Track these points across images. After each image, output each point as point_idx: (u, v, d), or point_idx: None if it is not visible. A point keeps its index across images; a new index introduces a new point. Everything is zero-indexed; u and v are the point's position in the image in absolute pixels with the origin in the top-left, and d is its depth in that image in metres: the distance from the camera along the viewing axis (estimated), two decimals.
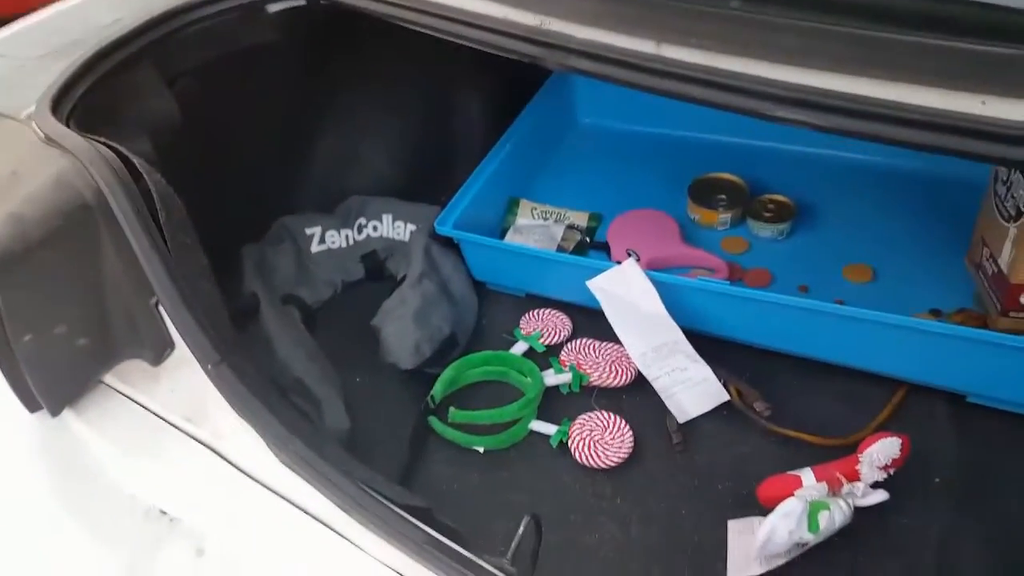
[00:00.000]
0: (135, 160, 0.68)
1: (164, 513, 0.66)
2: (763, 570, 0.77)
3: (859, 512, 0.78)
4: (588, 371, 0.99)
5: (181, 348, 0.72)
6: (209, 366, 0.64)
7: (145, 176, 0.67)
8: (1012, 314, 0.90)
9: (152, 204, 0.67)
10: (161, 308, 0.69)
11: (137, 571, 0.64)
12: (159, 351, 0.71)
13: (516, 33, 0.76)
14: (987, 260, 0.95)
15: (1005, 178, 0.91)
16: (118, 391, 0.73)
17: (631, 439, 0.91)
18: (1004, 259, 0.91)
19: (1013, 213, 0.89)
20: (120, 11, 0.94)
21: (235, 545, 0.65)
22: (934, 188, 1.11)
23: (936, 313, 0.95)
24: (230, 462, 0.67)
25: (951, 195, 1.08)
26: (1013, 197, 0.89)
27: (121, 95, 0.83)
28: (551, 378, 0.99)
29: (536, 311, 1.09)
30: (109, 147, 0.70)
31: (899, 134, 0.59)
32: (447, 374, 0.99)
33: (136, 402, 0.72)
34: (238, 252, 1.07)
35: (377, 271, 1.16)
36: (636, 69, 0.71)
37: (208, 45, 0.94)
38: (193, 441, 0.69)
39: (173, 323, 0.66)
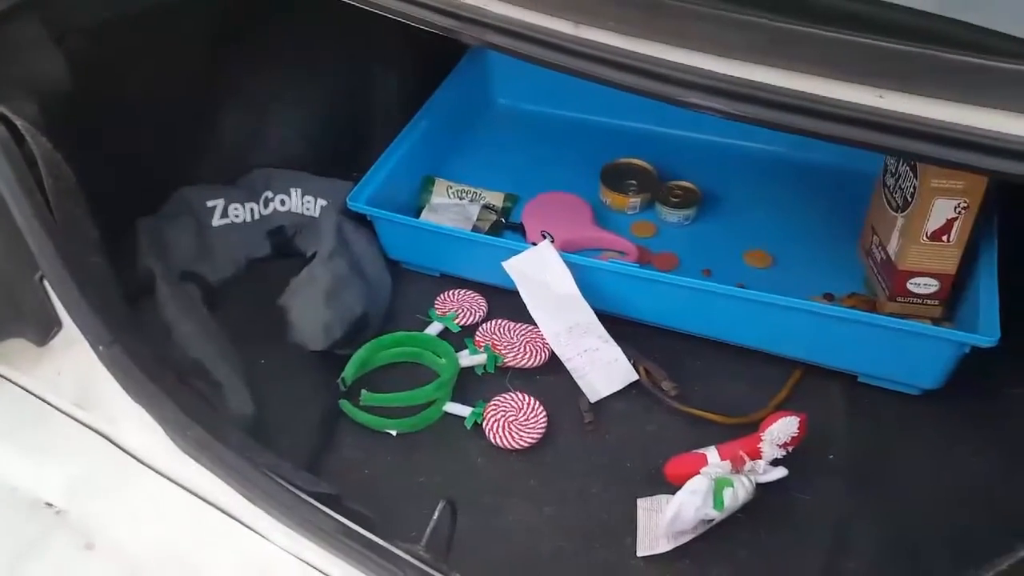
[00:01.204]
0: (17, 122, 0.62)
1: (50, 505, 0.62)
2: (671, 546, 0.80)
3: (761, 488, 0.81)
4: (503, 352, 0.99)
5: (69, 327, 0.67)
6: (100, 347, 0.60)
7: (29, 140, 0.62)
8: (899, 299, 0.96)
9: (37, 171, 0.61)
10: (47, 283, 0.64)
11: (20, 568, 0.59)
12: (45, 330, 0.66)
13: (432, 4, 0.74)
14: (876, 248, 1.00)
15: (894, 170, 0.96)
16: None
17: (544, 420, 0.92)
18: (892, 247, 0.96)
19: (901, 203, 0.94)
20: None
21: (128, 538, 0.61)
22: (830, 179, 1.16)
23: (829, 297, 1.00)
24: (123, 449, 0.64)
25: (846, 185, 1.13)
26: (901, 188, 0.94)
27: (4, 51, 0.76)
28: (466, 359, 0.99)
29: (451, 292, 1.08)
30: None
31: (804, 124, 0.61)
32: (359, 355, 0.97)
33: (18, 385, 0.67)
34: (132, 225, 1.01)
35: (284, 248, 1.12)
36: (553, 48, 0.70)
37: (104, 3, 0.87)
38: (82, 427, 0.65)
39: (60, 300, 0.61)
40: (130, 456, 0.63)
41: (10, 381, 0.67)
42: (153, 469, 0.62)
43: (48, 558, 0.60)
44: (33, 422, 0.65)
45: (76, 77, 0.86)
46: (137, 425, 0.62)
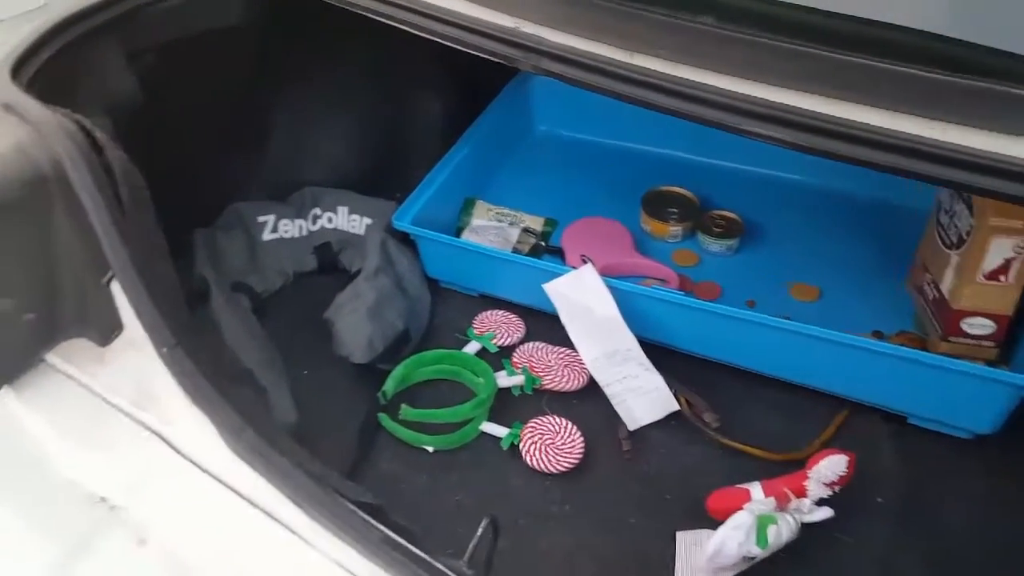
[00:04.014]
0: (97, 133, 0.65)
1: (105, 500, 0.63)
2: None
3: (805, 528, 0.79)
4: (541, 374, 0.99)
5: (130, 330, 0.69)
6: (164, 349, 0.61)
7: (107, 150, 0.64)
8: (952, 339, 0.94)
9: (113, 180, 0.64)
10: (113, 287, 0.66)
11: (74, 560, 0.61)
12: (108, 332, 0.68)
13: (492, 33, 0.76)
14: (928, 285, 0.98)
15: (948, 207, 0.95)
16: (61, 371, 0.70)
17: (582, 445, 0.92)
18: (946, 285, 0.94)
19: (955, 241, 0.92)
20: None
21: (180, 537, 0.62)
22: (876, 213, 1.16)
23: (878, 334, 0.99)
24: (177, 450, 0.65)
25: (892, 221, 1.13)
26: (956, 226, 0.92)
27: (83, 68, 0.80)
28: (503, 380, 0.99)
29: (489, 312, 1.09)
30: (71, 118, 0.67)
31: (865, 155, 0.61)
32: (399, 371, 0.98)
33: (80, 383, 0.69)
34: (189, 236, 1.04)
35: (330, 263, 1.14)
36: (608, 75, 0.71)
37: (172, 24, 0.91)
38: (139, 427, 0.66)
39: (130, 302, 0.63)
40: (183, 456, 0.64)
41: (73, 379, 0.69)
42: (205, 470, 0.63)
43: (102, 552, 0.61)
44: (93, 419, 0.67)
45: (144, 95, 0.89)
46: (191, 426, 0.64)
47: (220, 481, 0.63)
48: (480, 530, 0.62)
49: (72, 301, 0.67)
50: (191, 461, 0.64)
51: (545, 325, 1.03)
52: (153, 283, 0.62)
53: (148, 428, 0.65)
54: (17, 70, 0.73)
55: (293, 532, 0.61)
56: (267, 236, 1.12)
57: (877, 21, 0.65)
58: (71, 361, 0.70)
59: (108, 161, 0.64)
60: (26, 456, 0.67)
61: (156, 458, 0.64)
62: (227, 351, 0.91)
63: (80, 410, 0.67)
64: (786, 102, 0.64)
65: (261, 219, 1.12)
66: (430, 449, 0.93)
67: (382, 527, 0.60)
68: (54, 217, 0.65)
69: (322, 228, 1.15)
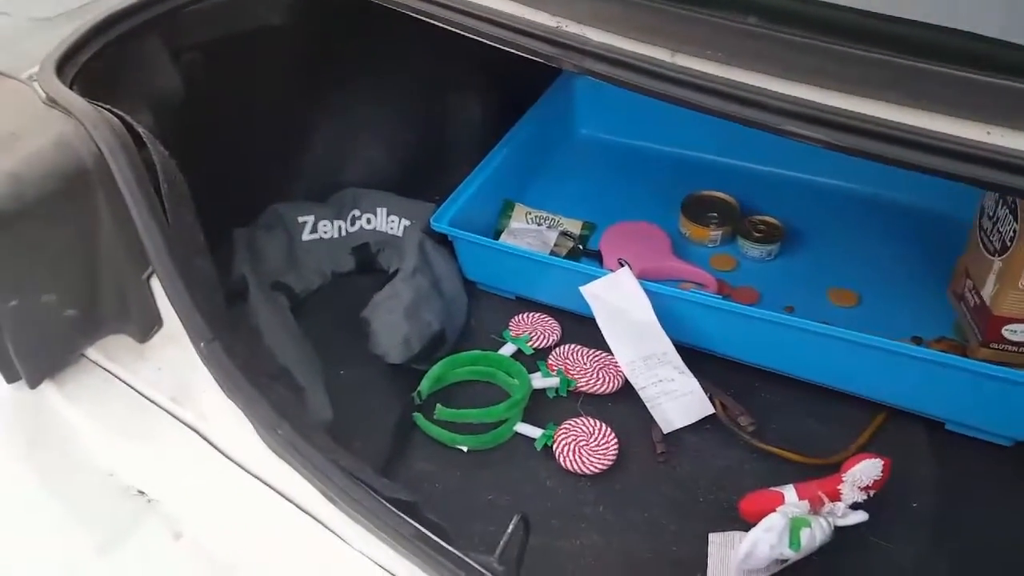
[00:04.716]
0: (140, 129, 0.67)
1: (142, 493, 0.65)
2: None
3: (838, 532, 0.78)
4: (576, 376, 0.99)
5: (169, 326, 0.70)
6: (201, 344, 0.62)
7: (149, 146, 0.66)
8: (993, 345, 0.92)
9: (154, 175, 0.65)
10: (153, 283, 0.67)
11: (111, 550, 0.62)
12: (147, 328, 0.70)
13: (534, 32, 0.76)
14: (970, 291, 0.97)
15: (991, 213, 0.93)
16: (101, 366, 0.71)
17: (616, 446, 0.91)
18: (987, 291, 0.93)
19: (998, 247, 0.90)
20: None
21: (214, 531, 0.63)
22: (918, 221, 1.13)
23: (918, 340, 0.97)
24: (214, 445, 0.66)
25: (934, 228, 1.11)
26: (999, 232, 0.91)
27: (126, 65, 0.81)
28: (538, 381, 0.99)
29: (525, 314, 1.09)
30: (113, 113, 0.69)
31: (909, 157, 0.60)
32: (434, 371, 0.98)
33: (119, 378, 0.70)
34: (229, 234, 1.06)
35: (368, 264, 1.15)
36: (650, 75, 0.71)
37: (216, 22, 0.92)
38: (177, 422, 0.67)
39: (168, 297, 0.64)
40: (220, 452, 0.65)
41: (112, 374, 0.71)
42: (241, 466, 0.64)
43: (138, 544, 0.62)
44: (132, 414, 0.68)
45: (187, 92, 0.91)
46: (228, 422, 0.65)
47: (255, 476, 0.64)
48: (511, 527, 0.62)
49: (113, 296, 0.69)
50: (227, 456, 0.65)
51: (581, 328, 1.02)
52: (191, 278, 0.63)
53: (185, 423, 0.66)
54: (61, 67, 0.74)
55: (327, 527, 0.61)
56: (306, 236, 1.14)
57: (917, 22, 0.64)
58: (111, 357, 0.72)
59: (149, 156, 0.65)
60: (67, 448, 0.69)
61: (193, 453, 0.65)
62: (265, 349, 0.92)
63: (119, 405, 0.69)
64: (828, 103, 0.63)
65: (301, 219, 1.14)
66: (464, 449, 0.93)
67: (415, 523, 0.60)
68: (96, 211, 0.67)
69: (361, 229, 1.16)
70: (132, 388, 0.70)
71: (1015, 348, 0.91)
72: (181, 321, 0.63)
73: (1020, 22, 0.63)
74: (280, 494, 0.63)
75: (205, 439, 0.67)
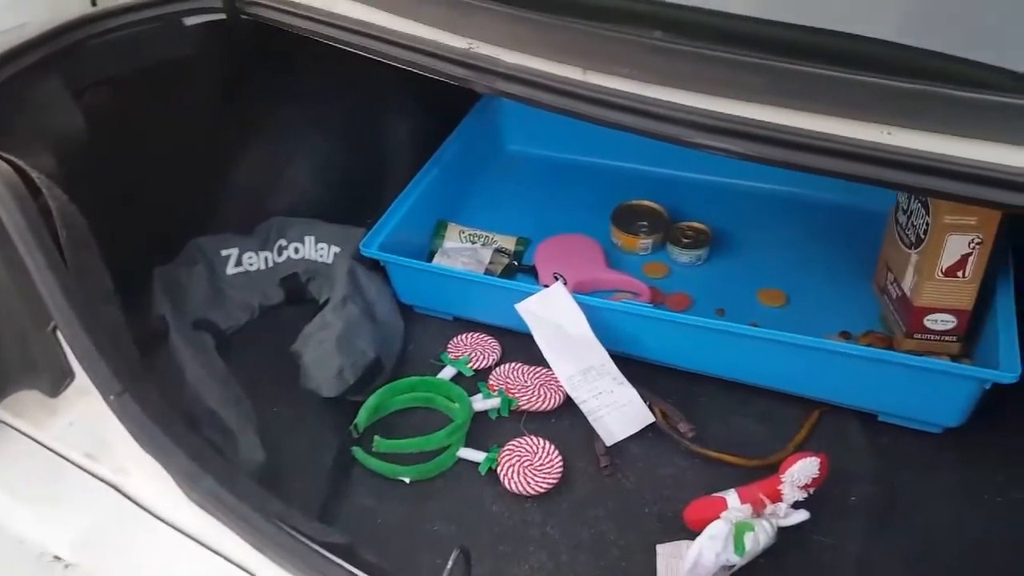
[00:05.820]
0: (34, 175, 0.63)
1: (58, 559, 0.61)
2: None
3: (782, 532, 0.79)
4: (517, 395, 0.98)
5: (82, 377, 0.67)
6: (111, 396, 0.59)
7: (45, 192, 0.63)
8: (917, 336, 0.95)
9: (52, 222, 0.62)
10: (60, 334, 0.64)
11: None
12: (57, 381, 0.66)
13: (446, 56, 0.75)
14: (892, 284, 0.99)
15: (906, 207, 0.95)
16: (8, 424, 0.67)
17: (560, 464, 0.91)
18: (907, 284, 0.95)
19: (914, 240, 0.93)
20: (24, 16, 0.89)
21: None
22: (841, 217, 1.16)
23: (846, 335, 0.99)
24: (134, 501, 0.63)
25: (857, 224, 1.13)
26: (914, 225, 0.93)
27: (22, 106, 0.78)
28: (479, 403, 0.98)
29: (464, 335, 1.07)
30: (5, 160, 0.65)
31: (811, 161, 0.61)
32: (371, 401, 0.96)
33: (29, 436, 0.66)
34: (148, 274, 1.02)
35: (297, 295, 1.12)
36: (563, 94, 0.71)
37: (121, 57, 0.89)
38: (93, 478, 0.64)
39: (72, 350, 0.61)
40: (140, 507, 0.62)
41: (21, 433, 0.67)
42: (163, 520, 0.61)
43: None
44: (43, 474, 0.64)
45: (94, 129, 0.87)
46: (147, 476, 0.62)
47: (181, 531, 0.61)
48: (451, 562, 0.60)
49: (16, 351, 0.65)
50: (149, 511, 0.62)
51: (521, 345, 1.02)
52: (97, 329, 0.60)
53: (102, 479, 0.63)
54: None
55: None
56: (231, 270, 1.10)
57: (819, 29, 0.65)
58: (20, 415, 0.68)
59: (46, 203, 0.62)
60: None
61: (112, 510, 0.62)
62: (188, 393, 0.89)
63: (30, 464, 0.65)
64: (737, 113, 0.64)
65: (224, 253, 1.10)
66: (407, 480, 0.91)
67: (351, 566, 0.58)
68: None
69: (288, 259, 1.14)
70: (43, 446, 0.67)
71: (938, 337, 0.94)
72: (87, 374, 0.60)
73: (914, 25, 0.65)
74: (208, 548, 0.61)
75: (124, 495, 0.63)
